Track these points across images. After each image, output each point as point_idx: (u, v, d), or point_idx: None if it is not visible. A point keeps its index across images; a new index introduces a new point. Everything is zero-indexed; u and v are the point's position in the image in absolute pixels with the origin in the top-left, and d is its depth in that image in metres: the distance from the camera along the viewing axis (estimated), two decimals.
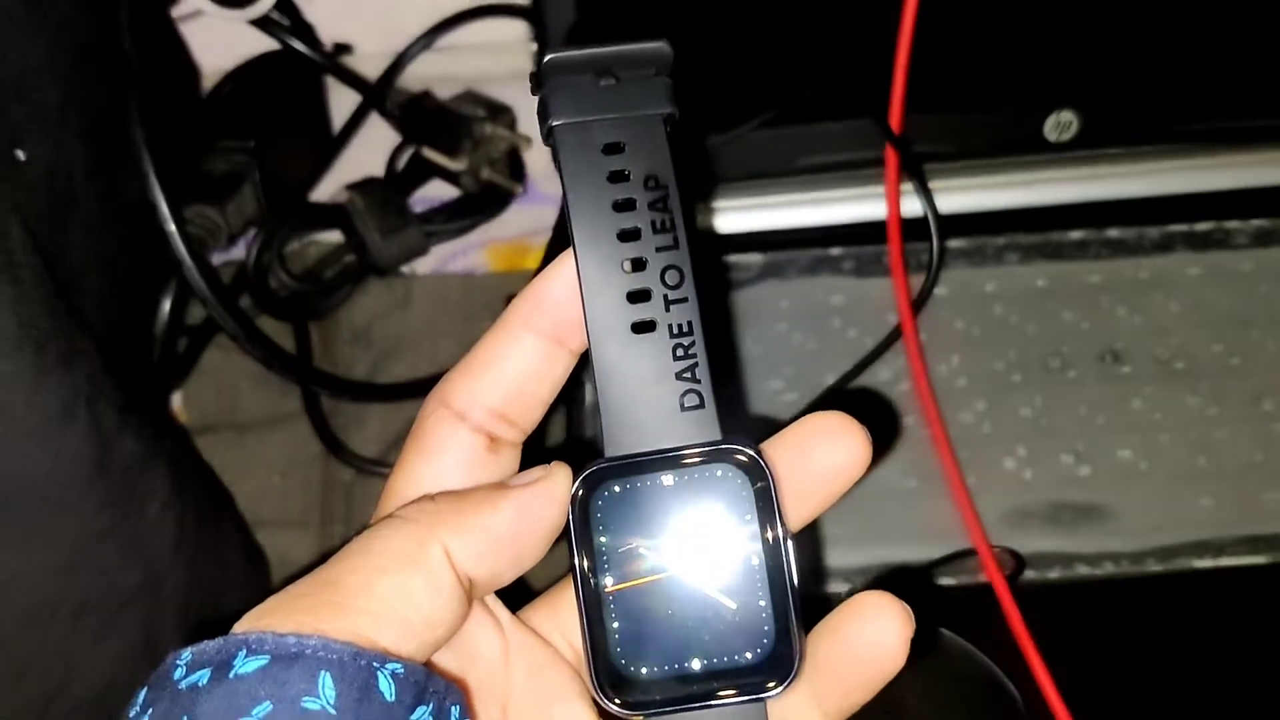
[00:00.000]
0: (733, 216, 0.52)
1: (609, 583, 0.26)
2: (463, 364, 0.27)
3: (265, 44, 0.58)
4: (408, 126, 0.59)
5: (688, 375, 0.26)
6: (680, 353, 0.26)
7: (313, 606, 0.24)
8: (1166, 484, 0.49)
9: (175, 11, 0.57)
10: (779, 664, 0.26)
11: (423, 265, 0.59)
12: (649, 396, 0.26)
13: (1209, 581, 0.47)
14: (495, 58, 0.62)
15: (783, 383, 0.50)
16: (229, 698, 0.22)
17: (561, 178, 0.26)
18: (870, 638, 0.26)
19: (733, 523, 0.26)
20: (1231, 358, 0.51)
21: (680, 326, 0.26)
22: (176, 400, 0.57)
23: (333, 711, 0.22)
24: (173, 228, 0.47)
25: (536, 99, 0.27)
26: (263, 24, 0.56)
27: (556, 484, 0.26)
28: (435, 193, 0.60)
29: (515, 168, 0.60)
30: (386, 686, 0.23)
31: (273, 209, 0.56)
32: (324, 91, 0.62)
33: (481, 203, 0.59)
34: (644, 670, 0.26)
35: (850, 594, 0.27)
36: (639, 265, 0.26)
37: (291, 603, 0.24)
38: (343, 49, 0.64)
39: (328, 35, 0.63)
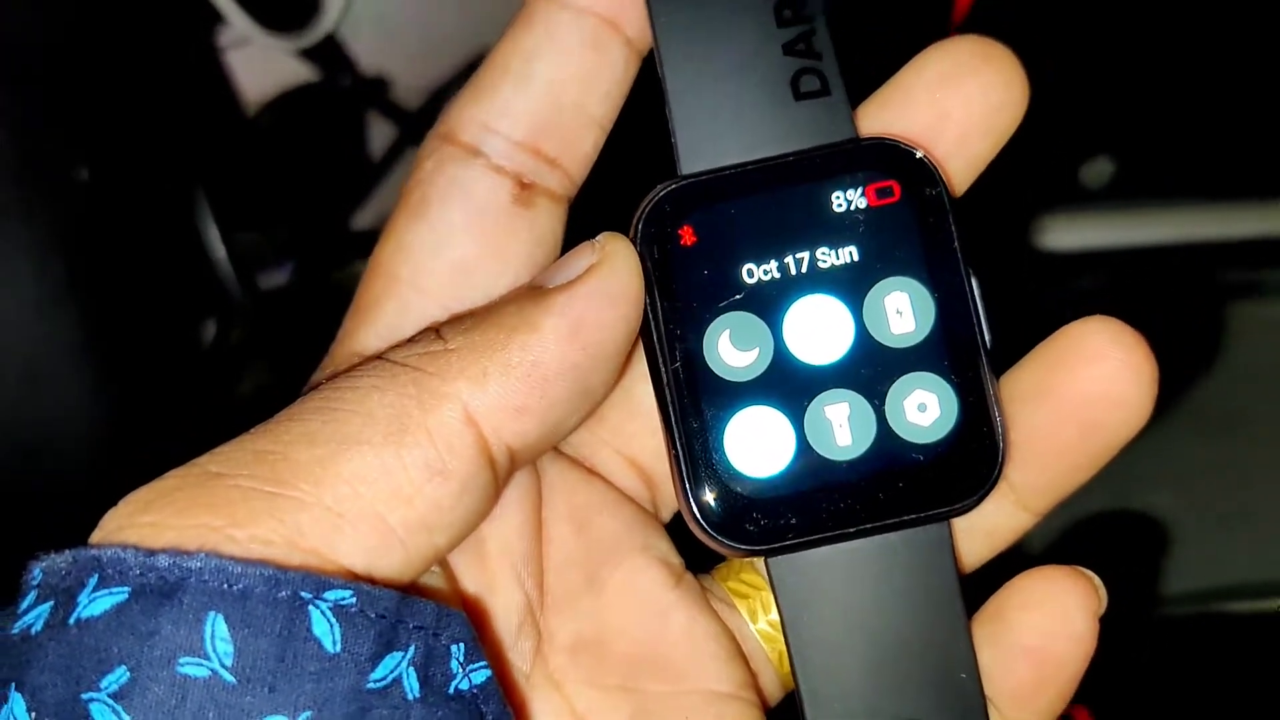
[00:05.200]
0: None
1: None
2: (473, 82, 0.18)
3: (307, 74, 0.59)
4: None
5: (801, 48, 0.18)
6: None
7: (226, 498, 0.15)
8: (1204, 528, 0.49)
9: (222, 39, 0.58)
10: (969, 458, 0.18)
11: None
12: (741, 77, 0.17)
13: (1247, 626, 0.47)
14: None
15: None
16: (68, 656, 0.14)
17: None
18: (1097, 379, 0.18)
19: (887, 261, 0.18)
20: (1268, 405, 0.51)
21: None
22: None
23: (229, 679, 0.14)
24: (221, 253, 0.47)
25: None
26: (306, 54, 0.56)
27: (619, 262, 0.16)
28: None
29: None
30: (325, 630, 0.14)
31: (314, 236, 0.56)
32: (365, 122, 0.63)
33: None
34: (765, 477, 0.17)
35: None
36: None
37: (195, 489, 0.15)
38: (383, 80, 0.64)
39: (368, 66, 0.63)
